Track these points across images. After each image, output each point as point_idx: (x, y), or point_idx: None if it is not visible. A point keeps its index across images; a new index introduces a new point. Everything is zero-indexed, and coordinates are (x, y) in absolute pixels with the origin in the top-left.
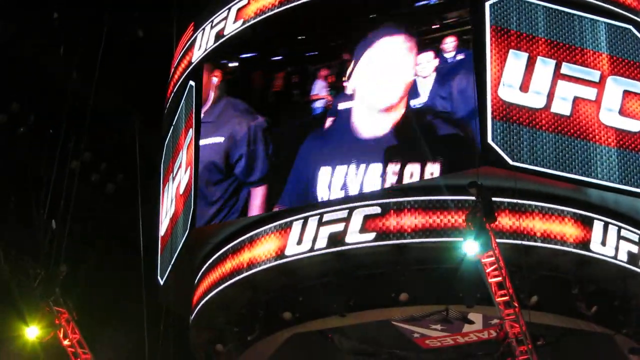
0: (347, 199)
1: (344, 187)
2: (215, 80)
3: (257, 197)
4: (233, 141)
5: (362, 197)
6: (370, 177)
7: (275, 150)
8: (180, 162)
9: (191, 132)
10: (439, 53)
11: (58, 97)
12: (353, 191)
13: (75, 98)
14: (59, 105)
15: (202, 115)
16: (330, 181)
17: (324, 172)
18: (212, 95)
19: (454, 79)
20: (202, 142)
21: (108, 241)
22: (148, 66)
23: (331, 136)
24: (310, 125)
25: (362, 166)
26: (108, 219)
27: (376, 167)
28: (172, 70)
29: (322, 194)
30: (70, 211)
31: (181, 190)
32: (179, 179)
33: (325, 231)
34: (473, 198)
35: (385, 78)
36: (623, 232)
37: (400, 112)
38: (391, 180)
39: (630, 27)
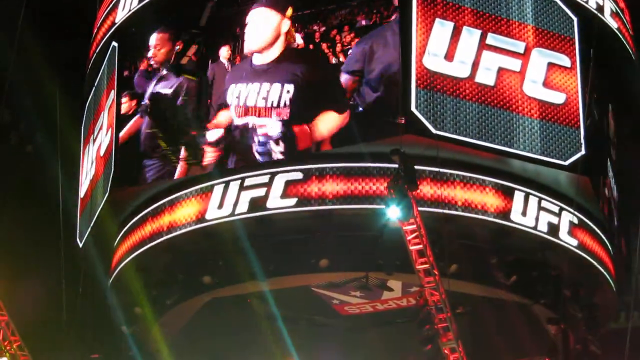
0: (269, 164)
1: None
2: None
3: None
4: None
5: (284, 162)
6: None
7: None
8: (101, 124)
9: (113, 94)
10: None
11: None
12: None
13: None
14: None
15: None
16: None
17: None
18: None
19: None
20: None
21: (27, 201)
22: (71, 26)
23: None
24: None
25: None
26: (27, 179)
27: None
28: (95, 30)
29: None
30: None
31: (101, 152)
32: (100, 140)
33: (247, 196)
34: (395, 166)
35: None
36: (543, 203)
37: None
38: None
39: None
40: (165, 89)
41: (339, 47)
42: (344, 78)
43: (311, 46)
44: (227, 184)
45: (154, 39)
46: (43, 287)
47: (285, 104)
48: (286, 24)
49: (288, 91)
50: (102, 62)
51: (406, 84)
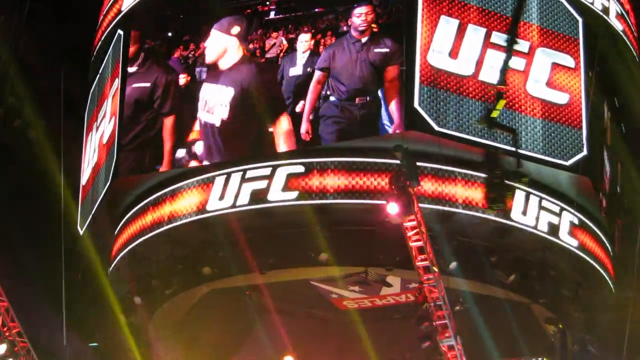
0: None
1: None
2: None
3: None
4: (154, 85)
5: (286, 155)
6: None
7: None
8: (105, 112)
9: (117, 82)
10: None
11: None
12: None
13: (1, 43)
14: None
15: (133, 68)
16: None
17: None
18: (141, 55)
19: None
20: (134, 85)
21: (28, 187)
22: (77, 13)
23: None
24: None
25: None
26: (29, 165)
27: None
28: (101, 18)
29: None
30: None
31: (104, 140)
32: (103, 128)
33: (248, 188)
34: (397, 161)
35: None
36: (544, 203)
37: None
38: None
39: None
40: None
41: (321, 49)
42: (317, 74)
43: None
44: (228, 175)
45: None
46: (43, 273)
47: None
48: (231, 41)
49: (229, 94)
50: (108, 50)
51: (410, 80)
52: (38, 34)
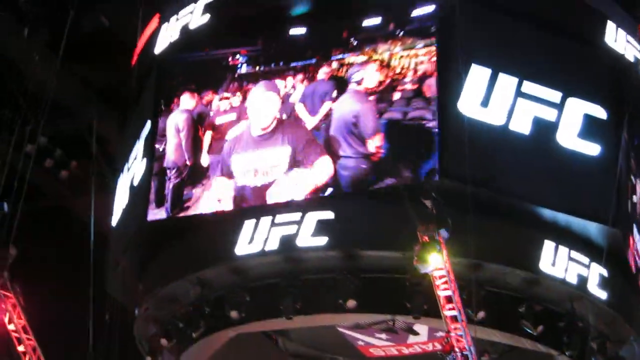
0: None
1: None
2: None
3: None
4: None
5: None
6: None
7: None
8: (136, 153)
9: (149, 124)
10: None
11: (17, 80)
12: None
13: (36, 82)
14: (18, 89)
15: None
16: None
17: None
18: None
19: None
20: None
21: (59, 228)
22: (112, 53)
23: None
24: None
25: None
26: (61, 206)
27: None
28: (135, 59)
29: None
30: (23, 195)
31: (135, 182)
32: (134, 170)
33: (277, 232)
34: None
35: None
36: (573, 254)
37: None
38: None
39: None
40: None
41: None
42: None
43: None
44: (258, 219)
45: None
46: (71, 313)
47: None
48: None
49: None
50: (141, 91)
51: (442, 129)
52: (71, 73)
